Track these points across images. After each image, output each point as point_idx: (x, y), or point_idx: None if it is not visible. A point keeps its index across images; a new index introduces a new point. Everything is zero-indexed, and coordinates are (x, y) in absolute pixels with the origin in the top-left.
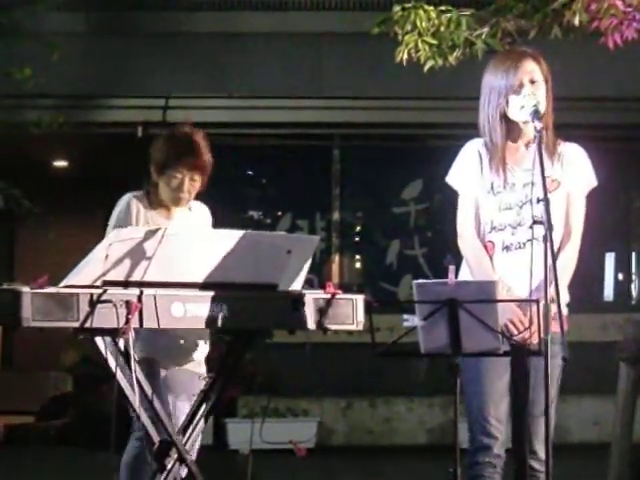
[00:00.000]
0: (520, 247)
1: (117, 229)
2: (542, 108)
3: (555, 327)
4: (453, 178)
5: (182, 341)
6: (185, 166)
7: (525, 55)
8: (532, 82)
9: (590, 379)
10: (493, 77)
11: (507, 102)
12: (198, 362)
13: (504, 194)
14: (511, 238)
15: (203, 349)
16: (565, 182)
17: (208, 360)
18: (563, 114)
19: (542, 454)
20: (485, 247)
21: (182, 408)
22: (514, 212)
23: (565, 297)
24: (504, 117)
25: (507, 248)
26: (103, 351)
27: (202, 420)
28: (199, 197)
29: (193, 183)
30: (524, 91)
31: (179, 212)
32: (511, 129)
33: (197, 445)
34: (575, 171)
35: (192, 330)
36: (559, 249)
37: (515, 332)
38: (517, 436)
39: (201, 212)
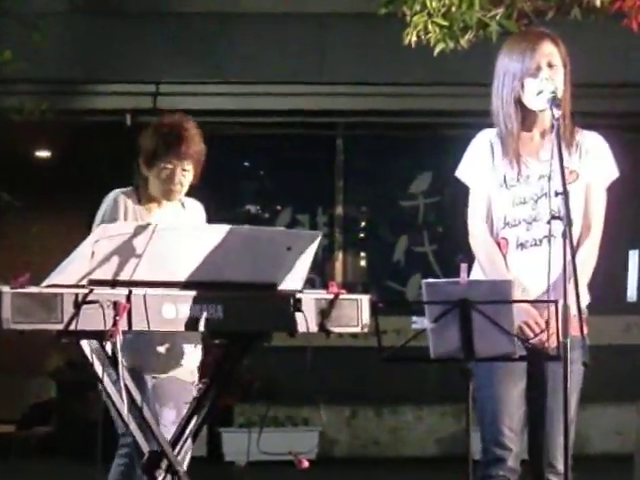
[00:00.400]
0: (536, 244)
1: (104, 224)
2: (560, 94)
3: (575, 330)
4: (463, 172)
5: (168, 346)
6: (175, 155)
7: (543, 37)
8: (550, 66)
9: (612, 385)
10: (508, 59)
11: (522, 86)
12: (188, 369)
13: (518, 187)
14: (526, 234)
15: (194, 355)
16: (584, 174)
17: (203, 366)
18: (582, 101)
19: (561, 467)
20: (498, 244)
21: (167, 417)
22: (529, 206)
23: (585, 298)
24: (519, 103)
25: (522, 245)
26: (89, 355)
27: (194, 430)
28: (192, 191)
29: (185, 174)
30: (541, 75)
31: (171, 208)
32: (526, 116)
33: (188, 456)
34: (595, 162)
35: (180, 333)
36: (577, 245)
37: (531, 335)
38: (534, 447)
39: (194, 210)
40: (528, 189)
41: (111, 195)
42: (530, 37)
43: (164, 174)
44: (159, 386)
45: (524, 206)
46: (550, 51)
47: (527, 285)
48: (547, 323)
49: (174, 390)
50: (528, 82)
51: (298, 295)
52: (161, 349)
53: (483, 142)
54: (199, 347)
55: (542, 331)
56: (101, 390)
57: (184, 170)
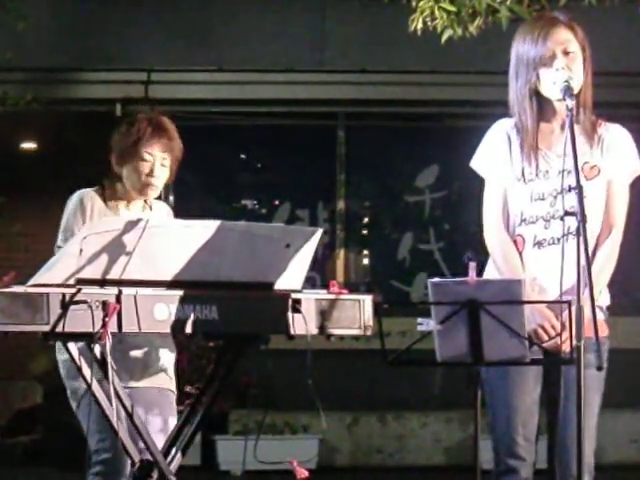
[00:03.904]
0: (554, 243)
1: (91, 221)
2: (576, 83)
3: (589, 332)
4: (479, 162)
5: (142, 351)
6: (156, 146)
7: (557, 22)
8: (566, 53)
9: (628, 391)
10: (521, 47)
11: (538, 77)
12: (168, 377)
13: (536, 182)
14: (544, 232)
15: (169, 359)
16: (606, 169)
17: (197, 370)
18: (598, 91)
19: (583, 477)
20: (514, 242)
21: (154, 424)
22: (547, 203)
23: (606, 299)
24: (535, 94)
25: (539, 244)
26: (76, 358)
27: (187, 438)
28: (185, 184)
29: (163, 169)
30: (556, 64)
31: (138, 209)
32: (544, 107)
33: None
34: (617, 156)
35: (155, 337)
36: (597, 245)
37: (545, 338)
38: (554, 457)
39: (161, 213)
40: (547, 185)
41: (75, 195)
42: (542, 23)
43: (144, 167)
44: (141, 394)
45: (542, 202)
46: (565, 37)
47: (545, 286)
48: (563, 326)
49: (154, 402)
50: (543, 72)
51: (297, 295)
52: (137, 354)
53: (500, 132)
54: (173, 351)
55: (557, 334)
56: (71, 399)
57: (162, 165)
